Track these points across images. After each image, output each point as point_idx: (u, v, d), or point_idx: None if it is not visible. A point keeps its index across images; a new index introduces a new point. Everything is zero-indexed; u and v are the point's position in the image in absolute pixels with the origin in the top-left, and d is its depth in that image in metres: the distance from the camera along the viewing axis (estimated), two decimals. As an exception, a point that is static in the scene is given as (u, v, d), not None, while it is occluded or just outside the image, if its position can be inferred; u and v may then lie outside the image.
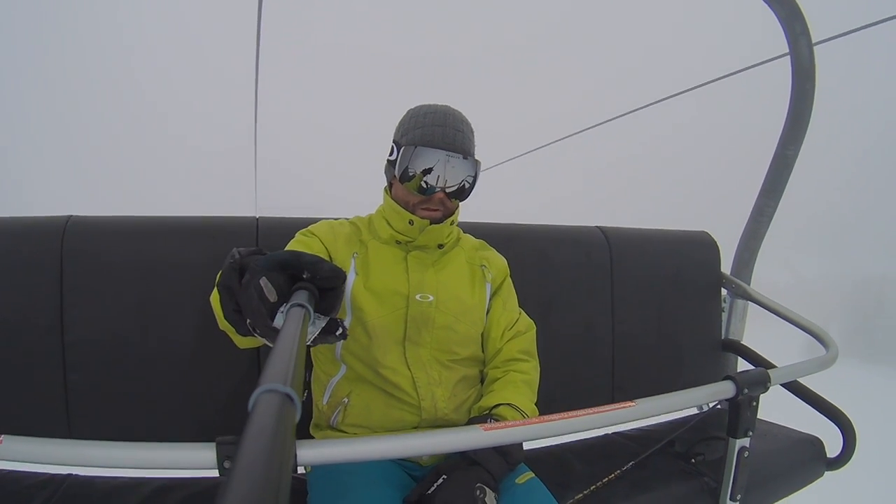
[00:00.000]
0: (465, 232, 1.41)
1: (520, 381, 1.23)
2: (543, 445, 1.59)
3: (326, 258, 1.15)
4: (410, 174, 1.17)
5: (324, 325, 0.78)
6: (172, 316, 1.38)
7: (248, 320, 0.74)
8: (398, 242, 1.24)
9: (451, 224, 1.25)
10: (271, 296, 0.72)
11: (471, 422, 1.17)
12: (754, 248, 2.15)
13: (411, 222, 1.20)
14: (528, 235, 1.82)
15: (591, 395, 1.83)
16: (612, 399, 1.86)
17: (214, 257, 1.29)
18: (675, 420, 1.80)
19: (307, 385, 1.31)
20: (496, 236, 1.52)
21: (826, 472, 1.71)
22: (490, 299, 1.32)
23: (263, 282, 0.72)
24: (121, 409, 1.35)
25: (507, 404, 1.16)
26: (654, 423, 1.84)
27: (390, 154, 1.24)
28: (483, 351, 1.30)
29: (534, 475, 1.16)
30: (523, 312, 1.38)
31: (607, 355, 1.87)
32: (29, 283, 1.30)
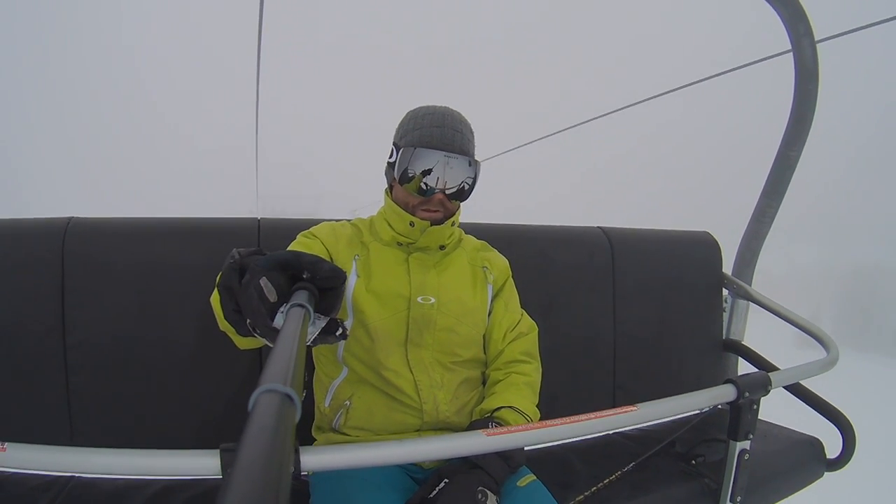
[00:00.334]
0: (465, 232, 1.40)
1: (522, 384, 1.22)
2: (544, 445, 1.59)
3: (328, 260, 1.15)
4: (410, 176, 1.17)
5: (324, 325, 0.78)
6: (174, 317, 1.38)
7: (248, 320, 0.74)
8: (399, 244, 1.24)
9: (451, 225, 1.24)
10: (271, 296, 0.72)
11: (472, 425, 1.17)
12: (756, 249, 2.14)
13: (412, 224, 1.20)
14: (530, 236, 1.82)
15: (593, 395, 1.83)
16: (612, 398, 1.86)
17: (216, 259, 1.29)
18: (676, 420, 1.80)
19: (307, 386, 1.31)
20: (497, 237, 1.52)
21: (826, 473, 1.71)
22: (492, 301, 1.31)
23: (263, 282, 0.72)
24: (122, 411, 1.35)
25: (509, 407, 1.16)
26: (654, 422, 1.84)
27: (390, 156, 1.24)
28: (485, 352, 1.30)
29: (535, 478, 1.16)
30: (525, 313, 1.38)
31: (608, 355, 1.87)
32: (30, 285, 1.30)
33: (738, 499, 1.33)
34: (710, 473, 1.41)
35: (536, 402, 1.24)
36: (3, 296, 1.29)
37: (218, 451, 0.76)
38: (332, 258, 1.21)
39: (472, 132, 1.24)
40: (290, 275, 0.76)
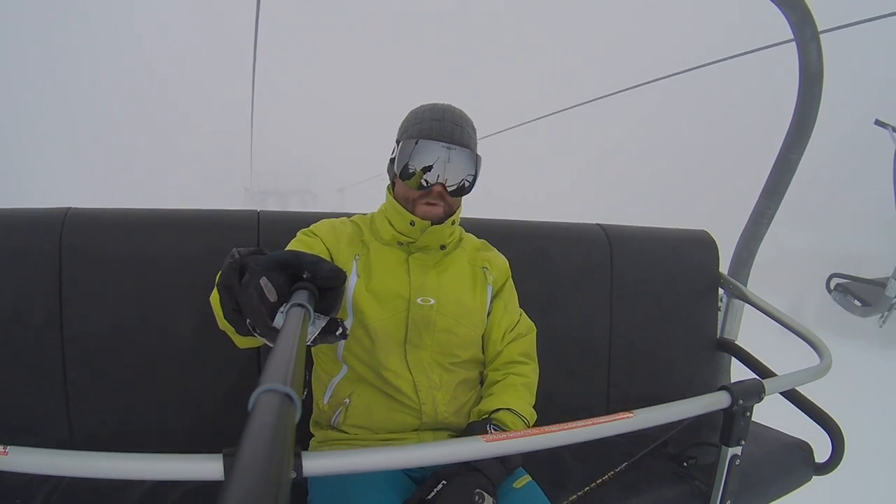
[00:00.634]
0: (464, 228, 1.40)
1: (519, 385, 1.23)
2: None
3: (328, 259, 1.15)
4: (409, 169, 1.17)
5: (324, 324, 0.78)
6: (172, 310, 1.38)
7: (248, 320, 0.74)
8: (400, 244, 1.23)
9: (452, 224, 1.24)
10: (271, 296, 0.72)
11: (470, 426, 1.18)
12: (753, 250, 2.15)
13: (413, 223, 1.19)
14: (528, 232, 1.82)
15: (587, 392, 1.85)
16: (606, 396, 1.88)
17: (215, 251, 1.28)
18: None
19: (307, 383, 1.31)
20: (496, 233, 1.51)
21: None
22: (491, 301, 1.32)
23: (263, 282, 0.72)
24: (120, 403, 1.35)
25: (507, 409, 1.17)
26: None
27: (392, 153, 1.23)
28: (483, 352, 1.31)
29: (530, 479, 1.17)
30: (524, 314, 1.38)
31: (604, 352, 1.88)
32: (27, 275, 1.29)
33: (728, 502, 1.35)
34: (702, 476, 1.43)
35: (533, 402, 1.25)
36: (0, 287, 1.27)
37: (221, 455, 0.76)
38: (332, 257, 1.20)
39: (473, 129, 1.24)
40: (290, 274, 0.75)
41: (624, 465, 1.45)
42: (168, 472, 0.77)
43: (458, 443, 0.92)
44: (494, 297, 1.33)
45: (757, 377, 1.35)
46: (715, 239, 2.15)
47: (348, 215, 1.37)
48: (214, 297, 0.87)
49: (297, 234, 1.25)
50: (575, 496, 1.32)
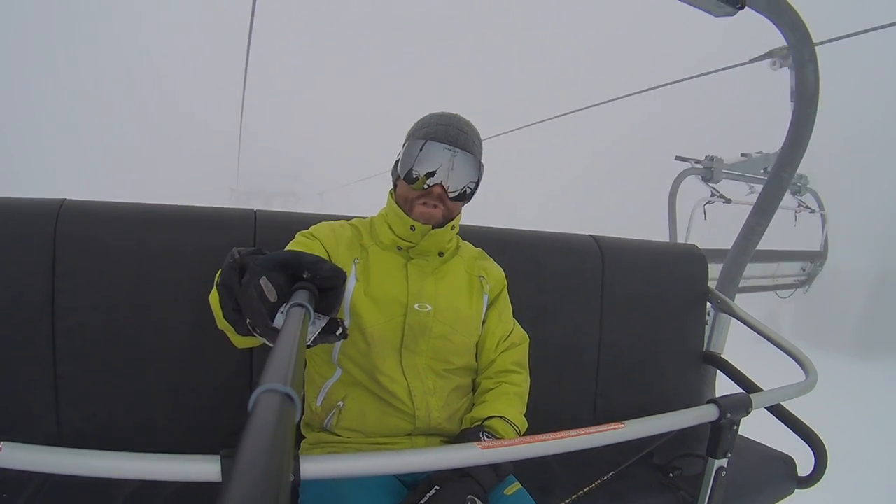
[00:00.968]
0: (459, 236, 1.40)
1: (512, 394, 1.24)
2: None
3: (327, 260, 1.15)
4: (412, 169, 1.18)
5: (324, 325, 0.78)
6: (166, 306, 1.36)
7: (247, 320, 0.74)
8: (399, 248, 1.24)
9: (451, 229, 1.25)
10: (271, 296, 0.72)
11: (463, 433, 1.19)
12: (742, 265, 2.18)
13: (413, 228, 1.20)
14: (522, 241, 1.83)
15: (574, 401, 1.86)
16: (594, 406, 1.89)
17: (211, 249, 1.27)
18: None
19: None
20: (490, 241, 1.53)
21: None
22: (486, 310, 1.32)
23: (263, 282, 0.72)
24: (111, 398, 1.33)
25: (500, 417, 1.18)
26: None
27: (397, 155, 1.24)
28: (476, 360, 1.31)
29: (520, 486, 1.18)
30: (517, 324, 1.39)
31: (592, 362, 1.90)
32: (20, 266, 1.27)
33: None
34: (687, 486, 1.44)
35: (524, 411, 1.26)
36: None
37: (219, 457, 0.76)
38: (331, 260, 1.20)
39: (479, 137, 1.26)
40: (290, 274, 0.76)
41: (611, 473, 1.46)
42: (164, 473, 0.77)
43: (454, 449, 0.94)
44: (490, 306, 1.33)
45: (744, 391, 1.37)
46: (703, 254, 2.18)
47: (347, 218, 1.37)
48: (214, 297, 0.87)
49: (296, 235, 1.25)
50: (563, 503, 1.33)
